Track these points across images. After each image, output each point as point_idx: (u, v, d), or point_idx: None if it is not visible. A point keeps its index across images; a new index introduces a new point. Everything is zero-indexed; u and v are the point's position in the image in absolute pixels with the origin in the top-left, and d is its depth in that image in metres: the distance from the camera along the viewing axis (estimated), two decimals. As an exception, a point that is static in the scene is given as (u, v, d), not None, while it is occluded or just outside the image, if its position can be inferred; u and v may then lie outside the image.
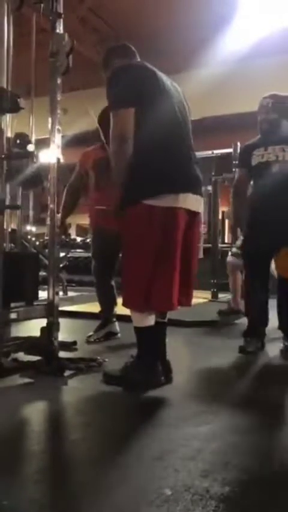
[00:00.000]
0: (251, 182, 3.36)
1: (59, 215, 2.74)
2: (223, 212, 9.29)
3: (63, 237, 3.73)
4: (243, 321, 3.43)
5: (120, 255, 2.99)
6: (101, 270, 3.53)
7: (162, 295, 2.16)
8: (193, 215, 2.27)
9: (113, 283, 3.56)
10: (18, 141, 2.52)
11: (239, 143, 6.57)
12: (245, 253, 3.45)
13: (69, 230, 3.80)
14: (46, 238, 3.55)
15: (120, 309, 3.46)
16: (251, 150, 3.26)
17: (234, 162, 6.65)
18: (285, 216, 3.04)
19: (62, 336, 2.70)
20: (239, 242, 4.19)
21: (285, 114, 3.18)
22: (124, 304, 2.26)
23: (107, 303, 3.55)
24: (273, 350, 3.18)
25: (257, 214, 3.24)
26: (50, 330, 2.60)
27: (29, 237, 3.01)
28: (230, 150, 6.76)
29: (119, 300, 3.28)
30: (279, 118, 3.17)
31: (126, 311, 2.35)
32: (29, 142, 2.58)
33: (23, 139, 2.54)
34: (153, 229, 2.14)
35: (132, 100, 2.14)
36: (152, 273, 2.14)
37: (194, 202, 2.25)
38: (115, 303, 3.53)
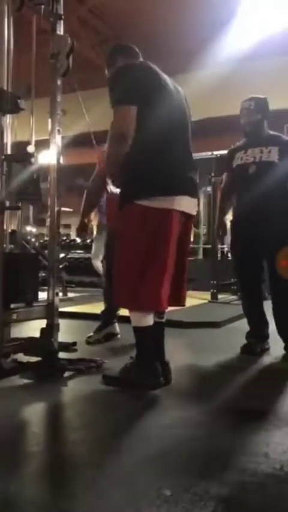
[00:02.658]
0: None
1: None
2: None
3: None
4: (244, 322, 3.43)
5: None
6: (111, 271, 3.54)
7: (150, 295, 2.17)
8: (187, 217, 2.29)
9: None
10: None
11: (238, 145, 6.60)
12: (231, 256, 3.50)
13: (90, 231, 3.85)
14: (46, 238, 3.55)
15: (123, 310, 3.48)
16: (233, 153, 3.30)
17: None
18: (264, 218, 3.05)
19: (62, 337, 2.70)
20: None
21: (267, 114, 3.22)
22: (116, 303, 2.28)
23: (112, 304, 3.55)
24: (276, 351, 3.17)
25: (237, 217, 3.28)
26: (49, 331, 2.60)
27: (28, 237, 3.00)
28: (230, 151, 6.76)
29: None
30: (262, 119, 3.20)
31: (127, 312, 2.35)
32: (29, 143, 2.58)
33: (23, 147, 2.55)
34: (145, 230, 2.15)
35: (134, 99, 2.14)
36: (141, 272, 2.16)
37: (189, 205, 2.27)
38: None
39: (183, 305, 2.40)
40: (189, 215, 2.29)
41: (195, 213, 2.36)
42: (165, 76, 2.28)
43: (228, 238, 3.67)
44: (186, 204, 2.24)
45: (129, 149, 2.16)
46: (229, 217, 3.62)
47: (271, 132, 3.25)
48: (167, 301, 2.23)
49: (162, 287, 2.17)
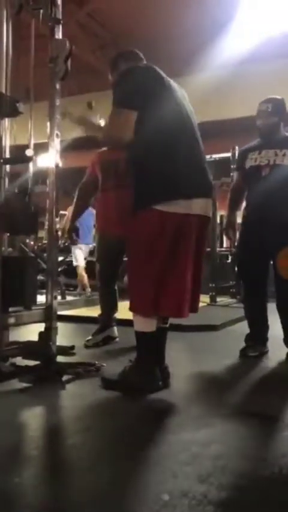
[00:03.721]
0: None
1: (62, 221, 2.74)
2: (222, 216, 9.31)
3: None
4: (243, 325, 3.42)
5: (125, 259, 3.00)
6: (105, 274, 3.54)
7: (173, 302, 2.15)
8: (204, 219, 2.27)
9: (116, 287, 3.56)
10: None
11: (237, 148, 6.61)
12: (237, 257, 3.48)
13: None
14: (44, 242, 3.55)
15: (120, 313, 3.47)
16: (246, 153, 3.28)
17: (232, 166, 6.69)
18: (275, 220, 3.05)
19: (60, 340, 2.69)
20: None
21: (284, 116, 3.21)
22: (131, 309, 2.25)
23: (108, 307, 3.55)
24: (275, 355, 3.17)
25: (248, 219, 3.27)
26: (48, 335, 2.60)
27: (27, 241, 3.00)
28: (229, 154, 6.79)
29: (121, 305, 3.30)
30: (279, 121, 3.20)
31: (125, 315, 2.34)
32: (28, 147, 2.59)
33: (21, 150, 2.55)
34: (164, 235, 2.13)
35: (137, 104, 2.13)
36: (162, 279, 2.14)
37: (205, 207, 2.25)
38: (116, 308, 3.53)
39: (196, 311, 2.35)
40: (205, 217, 2.27)
41: (210, 215, 2.34)
42: (169, 79, 2.28)
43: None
44: (202, 207, 2.22)
45: (141, 154, 2.17)
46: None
47: (287, 134, 3.24)
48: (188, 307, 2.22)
49: (184, 293, 2.16)
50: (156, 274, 2.14)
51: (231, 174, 6.68)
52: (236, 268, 3.49)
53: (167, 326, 2.38)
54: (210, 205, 2.31)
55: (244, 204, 3.40)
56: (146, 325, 2.21)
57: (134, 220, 2.21)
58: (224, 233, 3.69)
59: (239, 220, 3.51)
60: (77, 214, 3.58)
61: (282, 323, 3.17)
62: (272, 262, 3.17)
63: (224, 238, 10.38)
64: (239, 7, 7.94)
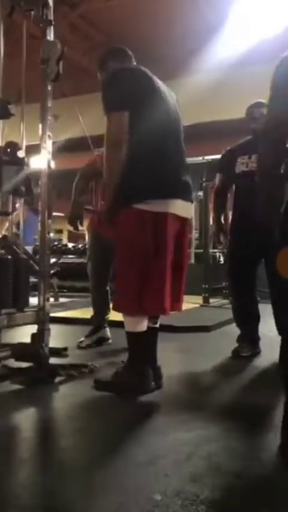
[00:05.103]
0: (233, 189, 3.38)
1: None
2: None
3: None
4: (235, 326, 3.43)
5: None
6: (97, 274, 3.53)
7: (154, 299, 2.16)
8: (183, 221, 2.29)
9: (107, 288, 3.56)
10: (8, 150, 2.52)
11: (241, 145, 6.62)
12: (227, 261, 3.48)
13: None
14: (37, 244, 3.54)
15: (112, 314, 3.47)
16: (235, 157, 3.27)
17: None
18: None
19: (53, 342, 2.69)
20: None
21: None
22: (114, 307, 2.26)
23: (100, 308, 3.54)
24: (267, 355, 3.18)
25: (239, 223, 3.27)
26: (40, 337, 2.59)
27: (19, 242, 3.00)
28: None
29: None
30: None
31: (118, 317, 2.34)
32: (19, 148, 2.58)
33: (13, 147, 2.54)
34: (143, 233, 2.14)
35: (127, 104, 2.15)
36: (143, 277, 2.15)
37: (183, 208, 2.27)
38: (108, 309, 3.53)
39: (180, 310, 2.37)
40: (183, 218, 2.29)
41: (190, 216, 2.35)
42: (158, 80, 2.29)
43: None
44: (179, 207, 2.23)
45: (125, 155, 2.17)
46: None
47: None
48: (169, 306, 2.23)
49: (165, 291, 2.17)
50: (137, 272, 2.16)
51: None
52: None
53: (157, 326, 2.39)
54: (190, 206, 2.33)
55: (232, 207, 3.40)
56: (136, 325, 2.22)
57: (115, 219, 2.23)
58: (214, 238, 3.67)
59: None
60: (79, 199, 3.40)
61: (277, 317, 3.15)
62: (264, 262, 3.17)
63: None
64: (233, 10, 7.99)
